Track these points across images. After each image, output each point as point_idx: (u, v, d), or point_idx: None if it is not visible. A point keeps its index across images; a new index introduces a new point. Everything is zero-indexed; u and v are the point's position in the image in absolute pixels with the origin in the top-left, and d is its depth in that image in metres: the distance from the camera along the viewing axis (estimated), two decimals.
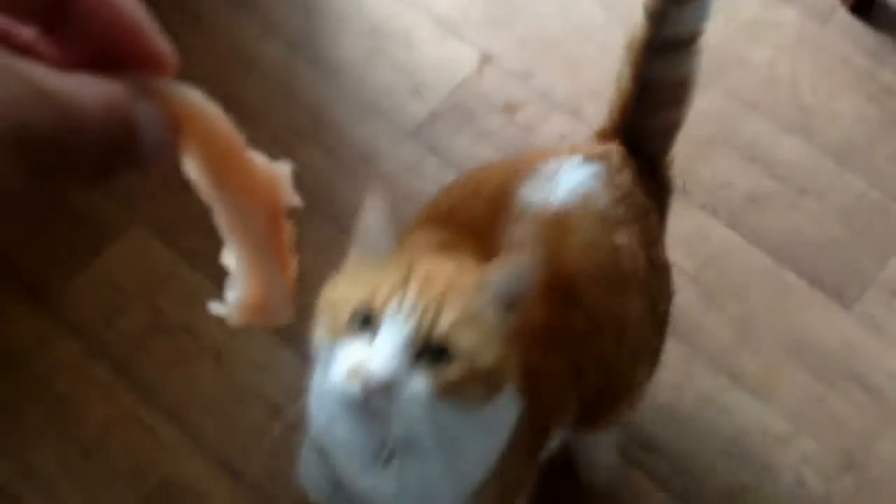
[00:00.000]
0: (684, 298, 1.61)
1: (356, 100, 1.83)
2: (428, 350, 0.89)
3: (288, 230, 0.58)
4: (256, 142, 0.50)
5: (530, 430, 1.06)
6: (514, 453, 1.04)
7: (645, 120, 1.22)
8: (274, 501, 1.49)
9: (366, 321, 0.89)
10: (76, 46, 0.38)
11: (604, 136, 1.23)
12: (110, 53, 0.38)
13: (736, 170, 1.74)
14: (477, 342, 0.90)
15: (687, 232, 1.68)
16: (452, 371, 0.89)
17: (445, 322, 0.89)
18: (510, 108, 1.81)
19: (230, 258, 0.59)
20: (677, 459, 1.51)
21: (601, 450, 1.44)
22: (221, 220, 0.55)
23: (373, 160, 1.76)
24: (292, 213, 0.59)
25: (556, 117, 1.80)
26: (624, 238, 1.13)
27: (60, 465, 1.52)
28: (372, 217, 0.95)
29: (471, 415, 0.93)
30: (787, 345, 1.59)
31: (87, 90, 0.35)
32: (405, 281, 0.90)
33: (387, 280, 0.91)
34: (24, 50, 0.37)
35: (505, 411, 0.99)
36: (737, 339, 1.59)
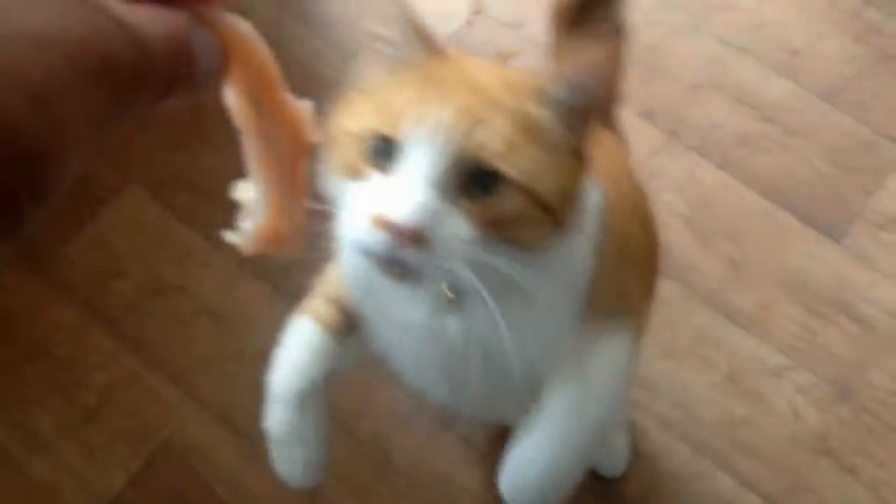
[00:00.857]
0: (678, 239, 1.62)
1: (346, 55, 1.82)
2: (468, 178, 0.67)
3: (305, 165, 0.59)
4: None
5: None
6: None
7: None
8: None
9: (384, 153, 0.68)
10: None
11: None
12: None
13: (726, 112, 1.74)
14: (535, 163, 0.67)
15: (679, 174, 1.69)
16: (502, 202, 0.67)
17: (491, 139, 0.66)
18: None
19: (247, 191, 0.62)
20: (675, 395, 1.51)
21: (609, 433, 1.41)
22: (250, 148, 0.57)
23: None
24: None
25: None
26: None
27: (62, 429, 1.52)
28: (388, 9, 0.73)
29: (531, 257, 0.71)
30: (780, 281, 1.59)
31: (154, 20, 0.37)
32: (430, 92, 0.68)
33: (406, 95, 0.69)
34: None
35: (576, 256, 0.79)
36: (730, 277, 1.60)
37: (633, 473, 1.46)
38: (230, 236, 0.62)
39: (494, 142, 0.66)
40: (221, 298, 1.60)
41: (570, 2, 1.01)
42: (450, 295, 0.77)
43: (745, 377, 1.52)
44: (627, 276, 0.86)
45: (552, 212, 0.69)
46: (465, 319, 0.79)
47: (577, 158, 0.71)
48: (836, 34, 1.81)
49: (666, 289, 1.58)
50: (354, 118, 0.71)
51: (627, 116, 1.71)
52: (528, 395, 0.85)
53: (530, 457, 0.81)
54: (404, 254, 0.66)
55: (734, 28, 1.82)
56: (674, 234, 1.63)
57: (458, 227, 0.67)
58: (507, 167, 0.67)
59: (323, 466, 0.90)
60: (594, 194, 0.80)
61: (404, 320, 0.81)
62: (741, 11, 1.84)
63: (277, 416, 0.88)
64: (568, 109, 0.69)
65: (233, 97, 0.53)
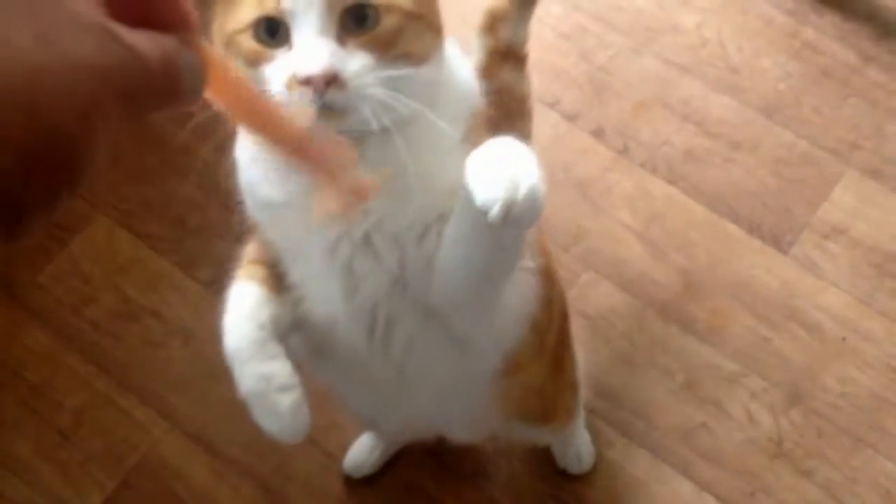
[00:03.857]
0: (631, 252, 1.61)
1: None
2: (347, 19, 0.73)
3: (329, 149, 0.63)
4: None
5: None
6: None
7: None
8: (251, 473, 1.47)
9: (273, 32, 0.74)
10: (129, 9, 0.43)
11: None
12: (156, 15, 0.44)
13: (673, 129, 1.73)
14: None
15: (630, 190, 1.68)
16: (382, 26, 0.74)
17: None
18: None
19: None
20: (634, 404, 1.50)
21: (571, 434, 1.41)
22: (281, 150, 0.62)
23: None
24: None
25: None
26: None
27: (39, 452, 1.50)
28: None
29: (425, 70, 0.77)
30: (731, 290, 1.59)
31: (152, 44, 0.42)
32: None
33: None
34: None
35: (457, 62, 0.86)
36: (683, 288, 1.59)
37: (597, 479, 1.45)
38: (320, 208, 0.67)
39: None
40: (193, 320, 1.58)
41: None
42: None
43: (702, 384, 1.51)
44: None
45: (421, 17, 0.77)
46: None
47: None
48: (772, 52, 1.81)
49: (622, 301, 1.56)
50: (233, 16, 0.76)
51: (579, 135, 1.72)
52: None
53: (489, 156, 0.75)
54: (329, 97, 0.72)
55: (677, 49, 1.82)
56: (627, 248, 1.62)
57: (360, 59, 0.74)
58: None
59: (307, 409, 0.83)
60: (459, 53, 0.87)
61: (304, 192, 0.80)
62: (683, 33, 1.83)
63: (247, 374, 0.83)
64: None
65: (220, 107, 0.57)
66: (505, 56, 1.15)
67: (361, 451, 1.45)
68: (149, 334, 1.58)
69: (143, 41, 0.42)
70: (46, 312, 1.60)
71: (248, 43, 0.75)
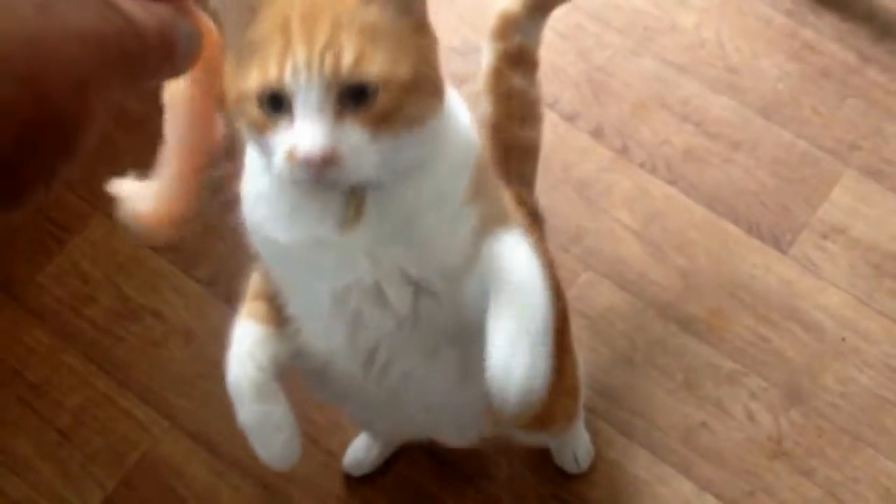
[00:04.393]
0: (632, 253, 1.61)
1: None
2: (346, 95, 0.74)
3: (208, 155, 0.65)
4: None
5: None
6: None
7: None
8: (251, 471, 1.46)
9: (276, 103, 0.75)
10: None
11: None
12: None
13: (672, 129, 1.73)
14: (388, 58, 0.75)
15: (629, 191, 1.67)
16: (380, 102, 0.75)
17: (347, 59, 0.73)
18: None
19: (122, 185, 0.70)
20: (634, 404, 1.50)
21: (570, 435, 1.41)
22: (174, 129, 0.64)
23: None
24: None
25: None
26: None
27: (39, 451, 1.50)
28: None
29: (423, 132, 0.79)
30: (731, 290, 1.58)
31: (148, 13, 0.43)
32: (287, 38, 0.74)
33: (270, 48, 0.75)
34: None
35: (458, 114, 0.87)
36: (683, 288, 1.58)
37: (597, 479, 1.45)
38: (125, 216, 0.68)
39: (349, 58, 0.73)
40: (193, 320, 1.58)
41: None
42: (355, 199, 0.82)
43: (702, 384, 1.51)
44: (503, 193, 0.92)
45: (420, 86, 0.77)
46: (371, 222, 0.82)
47: (420, 31, 0.78)
48: (771, 53, 1.80)
49: (622, 301, 1.56)
50: (239, 81, 0.76)
51: (578, 135, 1.72)
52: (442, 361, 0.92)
53: (506, 353, 0.81)
54: (325, 174, 0.74)
55: (676, 49, 1.81)
56: (626, 248, 1.61)
57: (357, 136, 0.74)
58: (368, 72, 0.73)
59: (298, 446, 0.92)
60: (460, 103, 0.88)
61: (311, 237, 0.84)
62: (681, 33, 1.83)
63: (245, 410, 0.91)
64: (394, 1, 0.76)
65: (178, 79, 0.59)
66: (517, 61, 1.15)
67: (360, 450, 1.45)
68: (149, 334, 1.58)
69: (140, 10, 0.42)
70: (46, 312, 1.60)
71: (253, 110, 0.76)
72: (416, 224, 0.82)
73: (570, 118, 1.74)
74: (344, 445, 1.46)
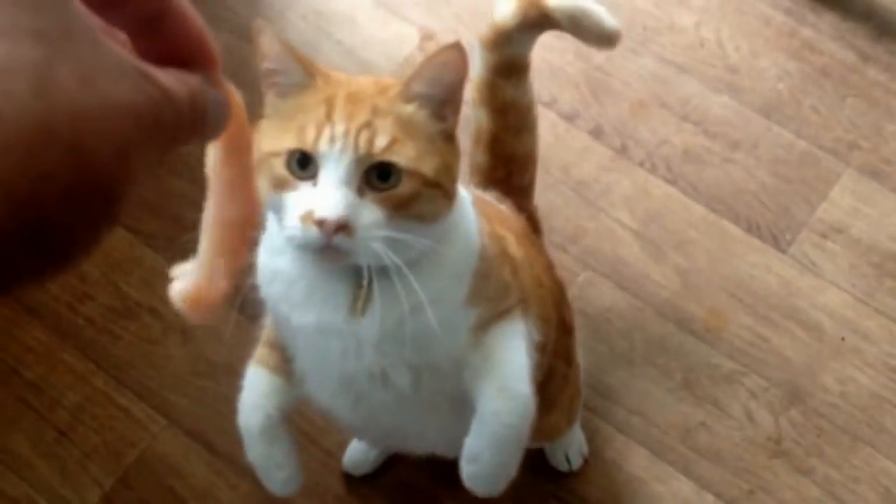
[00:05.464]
0: (631, 252, 1.60)
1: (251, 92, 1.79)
2: (371, 174, 0.80)
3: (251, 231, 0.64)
4: None
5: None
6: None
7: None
8: (250, 470, 1.44)
9: (303, 164, 0.81)
10: (156, 47, 0.45)
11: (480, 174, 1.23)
12: (181, 53, 0.46)
13: (671, 129, 1.72)
14: (416, 152, 0.81)
15: (629, 190, 1.67)
16: (400, 188, 0.81)
17: (381, 141, 0.80)
18: None
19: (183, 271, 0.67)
20: (633, 403, 1.49)
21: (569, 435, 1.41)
22: (212, 205, 0.61)
23: None
24: None
25: None
26: None
27: (36, 449, 1.49)
28: (271, 47, 0.84)
29: (431, 228, 0.84)
30: (730, 290, 1.57)
31: (181, 83, 0.44)
32: (330, 111, 0.81)
33: (311, 116, 0.81)
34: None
35: (465, 220, 0.92)
36: (682, 288, 1.58)
37: (595, 477, 1.44)
38: (173, 297, 0.67)
39: (382, 141, 0.80)
40: None
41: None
42: (364, 281, 0.87)
43: (701, 383, 1.50)
44: (504, 271, 0.97)
45: (438, 186, 0.83)
46: (376, 315, 0.88)
47: (448, 140, 0.85)
48: (771, 52, 1.80)
49: (621, 300, 1.55)
50: (272, 140, 0.82)
51: (578, 135, 1.71)
52: (436, 408, 1.00)
53: (477, 451, 0.93)
54: (335, 241, 0.79)
55: (675, 48, 1.81)
56: (625, 248, 1.61)
57: (372, 213, 0.80)
58: (396, 158, 0.80)
59: (299, 478, 1.03)
60: (470, 208, 0.93)
61: (322, 324, 0.90)
62: (681, 32, 1.82)
63: (253, 448, 1.01)
64: (428, 100, 0.83)
65: (212, 152, 0.59)
66: (509, 72, 1.15)
67: (359, 450, 1.44)
68: (146, 331, 1.57)
69: (173, 80, 0.44)
70: (44, 309, 1.59)
71: (280, 168, 0.81)
72: (419, 318, 0.87)
73: (570, 118, 1.73)
74: (343, 445, 1.45)
